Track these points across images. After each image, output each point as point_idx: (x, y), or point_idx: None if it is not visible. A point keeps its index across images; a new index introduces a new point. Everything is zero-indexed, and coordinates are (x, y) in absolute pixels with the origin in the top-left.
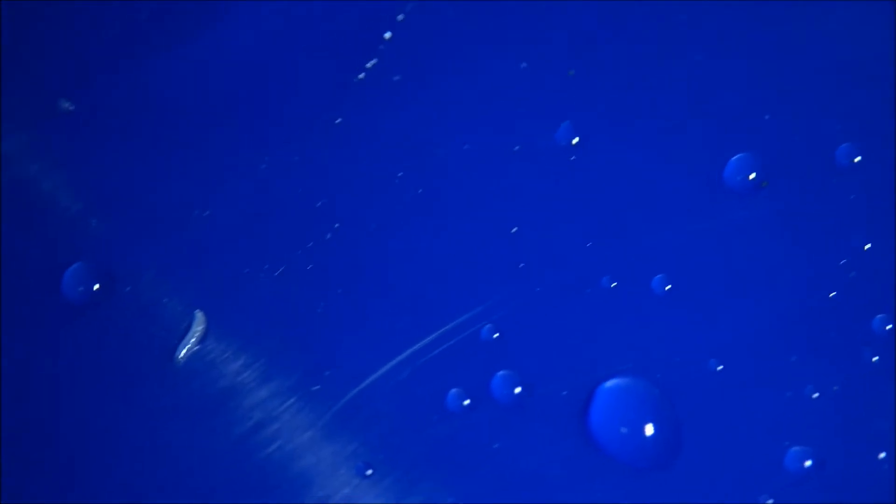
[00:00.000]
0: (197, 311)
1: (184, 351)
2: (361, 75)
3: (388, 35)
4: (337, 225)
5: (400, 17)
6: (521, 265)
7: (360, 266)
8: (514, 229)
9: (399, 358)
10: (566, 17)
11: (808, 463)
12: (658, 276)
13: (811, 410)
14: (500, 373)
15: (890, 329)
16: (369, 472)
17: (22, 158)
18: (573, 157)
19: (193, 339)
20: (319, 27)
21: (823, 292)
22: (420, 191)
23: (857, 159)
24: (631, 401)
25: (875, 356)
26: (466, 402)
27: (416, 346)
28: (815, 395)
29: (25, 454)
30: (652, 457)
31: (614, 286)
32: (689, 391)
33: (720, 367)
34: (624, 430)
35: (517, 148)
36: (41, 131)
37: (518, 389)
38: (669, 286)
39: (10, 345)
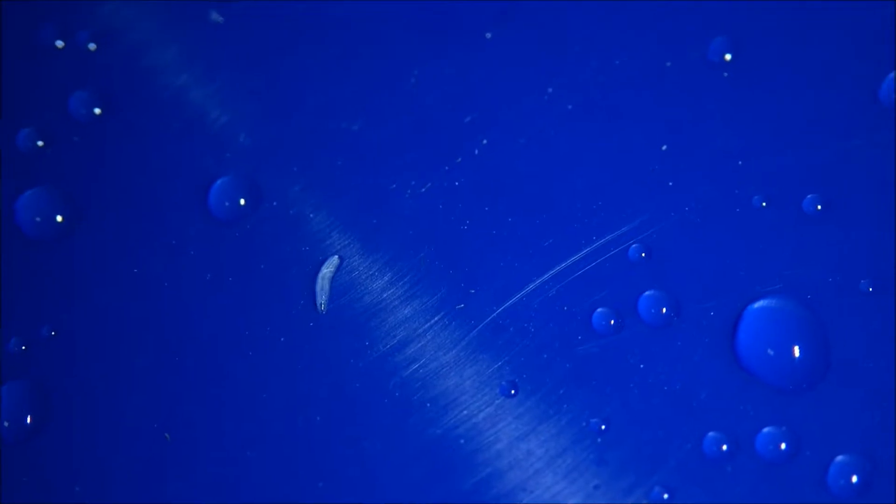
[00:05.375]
0: (335, 256)
1: (321, 302)
2: None
3: None
4: (485, 141)
5: None
6: (670, 184)
7: (508, 182)
8: (664, 147)
9: (545, 277)
10: None
11: None
12: (810, 195)
13: None
14: (648, 292)
15: None
16: (513, 391)
17: (171, 69)
18: (725, 74)
19: (318, 286)
20: None
21: None
22: (569, 107)
23: None
24: (779, 322)
25: None
26: (613, 321)
27: (563, 265)
28: None
29: (169, 370)
30: (799, 379)
31: (764, 205)
32: (838, 313)
33: (871, 289)
34: (771, 351)
35: (669, 64)
36: (191, 42)
37: (665, 309)
38: (820, 206)
39: (155, 259)
